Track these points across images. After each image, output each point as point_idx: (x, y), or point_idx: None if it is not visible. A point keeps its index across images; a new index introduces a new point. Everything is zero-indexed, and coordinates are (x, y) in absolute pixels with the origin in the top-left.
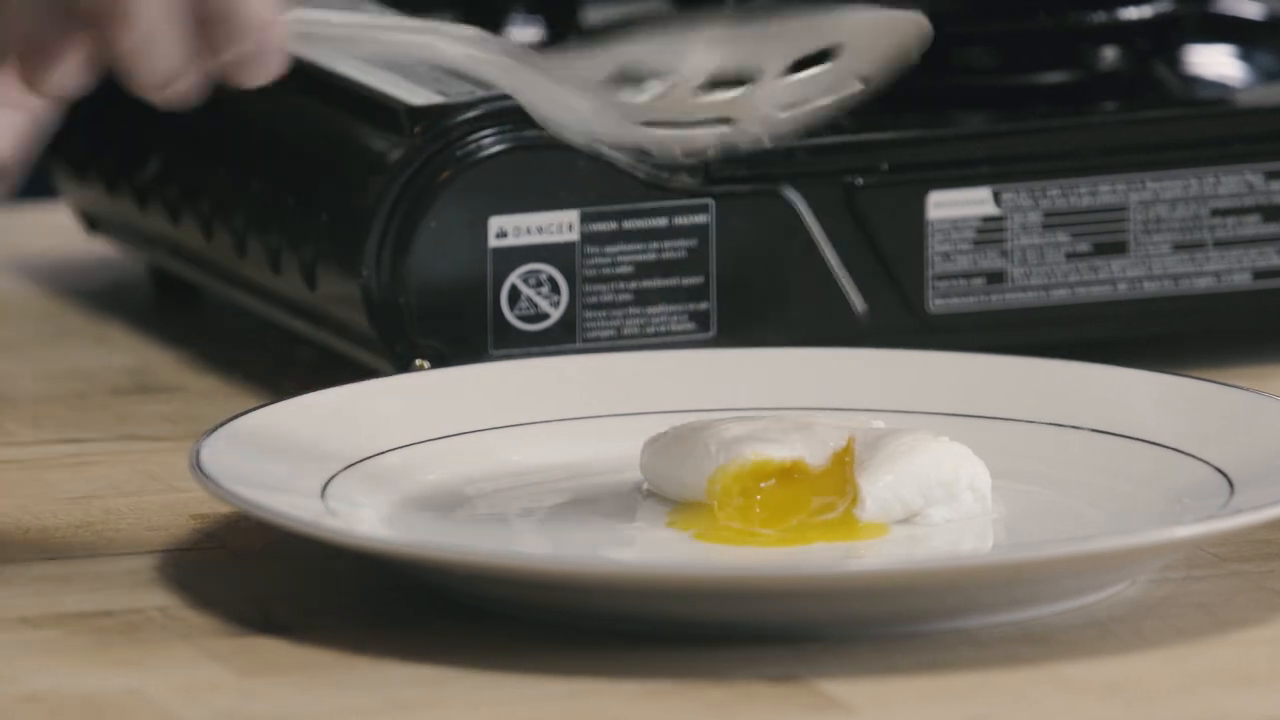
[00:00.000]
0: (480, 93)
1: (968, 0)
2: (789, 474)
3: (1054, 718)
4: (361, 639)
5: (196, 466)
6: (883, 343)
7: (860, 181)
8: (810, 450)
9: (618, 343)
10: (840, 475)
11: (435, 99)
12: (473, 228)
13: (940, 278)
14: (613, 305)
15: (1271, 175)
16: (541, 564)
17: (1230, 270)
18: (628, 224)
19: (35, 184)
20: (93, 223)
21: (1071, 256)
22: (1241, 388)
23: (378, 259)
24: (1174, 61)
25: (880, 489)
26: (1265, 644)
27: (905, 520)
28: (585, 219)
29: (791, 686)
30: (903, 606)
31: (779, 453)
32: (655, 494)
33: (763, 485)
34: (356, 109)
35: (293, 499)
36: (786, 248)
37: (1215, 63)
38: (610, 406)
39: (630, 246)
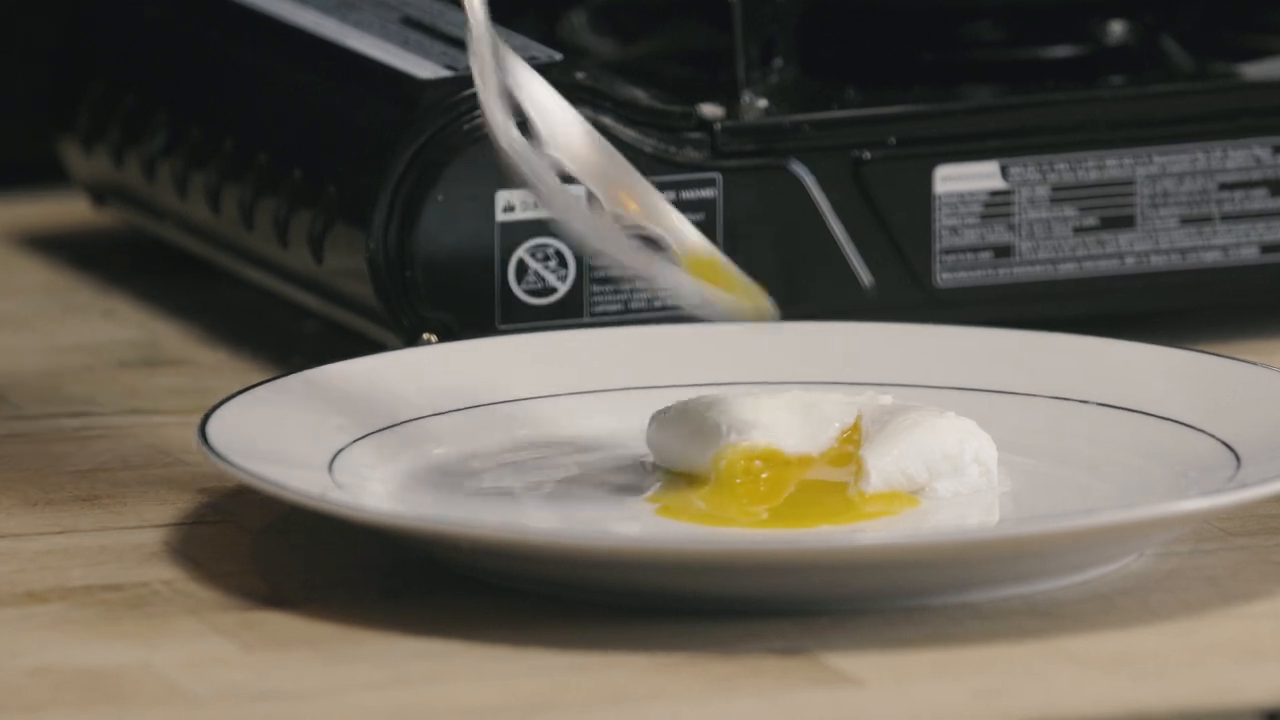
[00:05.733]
0: None
1: None
2: (795, 463)
3: (1061, 691)
4: (368, 613)
5: (203, 440)
6: (890, 317)
7: (867, 155)
8: (816, 432)
9: (625, 317)
10: (846, 459)
11: (443, 73)
12: (480, 202)
13: (947, 252)
14: (620, 279)
15: (1279, 149)
16: (548, 539)
17: (1237, 244)
18: None
19: (43, 158)
20: (100, 196)
21: (1079, 230)
22: (1248, 361)
23: (385, 233)
24: (1182, 35)
25: (885, 463)
26: (1271, 617)
27: (911, 494)
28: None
29: (798, 660)
30: (909, 580)
31: (789, 446)
32: (661, 468)
33: (768, 467)
34: (365, 82)
35: (300, 473)
36: (793, 222)
37: (1223, 36)
38: (617, 381)
39: None
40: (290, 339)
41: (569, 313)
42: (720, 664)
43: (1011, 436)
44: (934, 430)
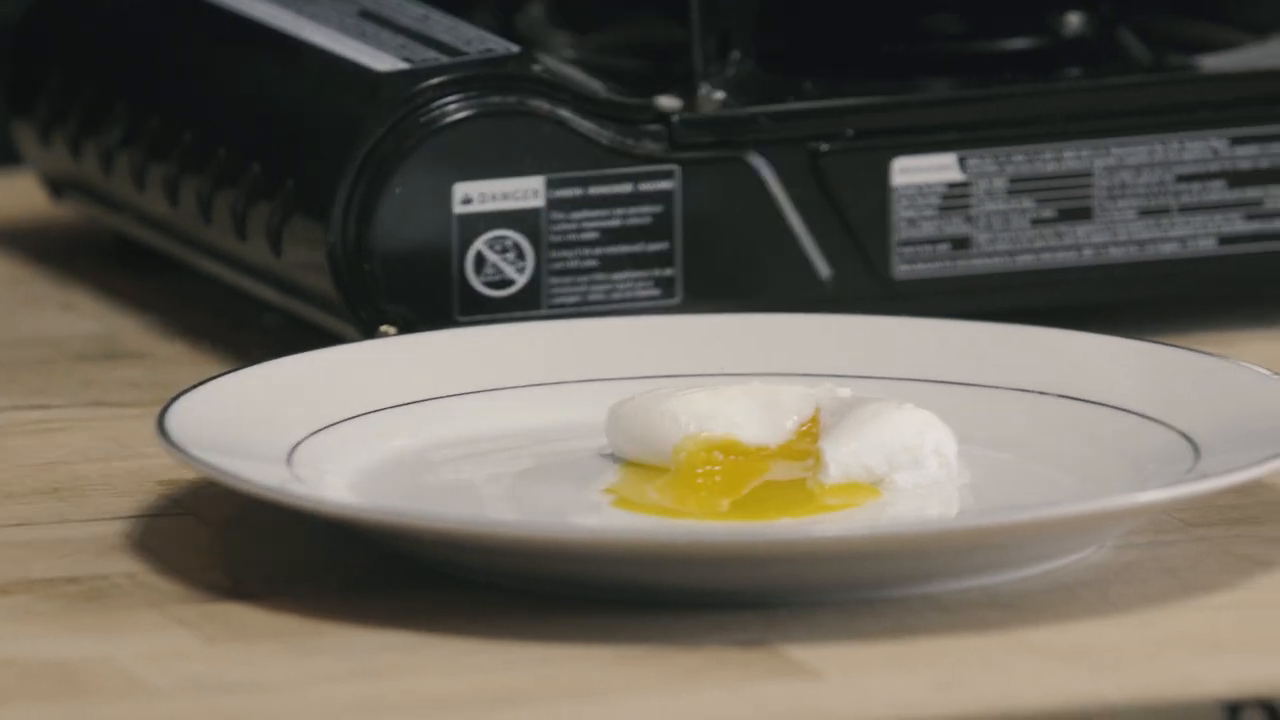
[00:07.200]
0: (446, 59)
1: None
2: (754, 454)
3: (1020, 682)
4: (330, 606)
5: (163, 433)
6: (848, 308)
7: (825, 147)
8: (775, 423)
9: (583, 309)
10: (805, 452)
11: (401, 65)
12: (438, 194)
13: (905, 243)
14: (578, 271)
15: (1236, 141)
16: (508, 530)
17: (1195, 236)
18: (593, 190)
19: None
20: (58, 188)
21: (1037, 222)
22: (1207, 353)
23: (343, 225)
24: (1139, 28)
25: (844, 454)
26: (1231, 609)
27: (871, 486)
28: (550, 185)
29: (759, 652)
30: (869, 572)
31: (748, 437)
32: (620, 460)
33: (728, 458)
34: (323, 75)
35: (259, 465)
36: (751, 214)
37: (1180, 29)
38: (576, 373)
39: (595, 213)
40: (249, 332)
41: (527, 305)
42: (685, 656)
43: (971, 428)
44: (893, 422)
